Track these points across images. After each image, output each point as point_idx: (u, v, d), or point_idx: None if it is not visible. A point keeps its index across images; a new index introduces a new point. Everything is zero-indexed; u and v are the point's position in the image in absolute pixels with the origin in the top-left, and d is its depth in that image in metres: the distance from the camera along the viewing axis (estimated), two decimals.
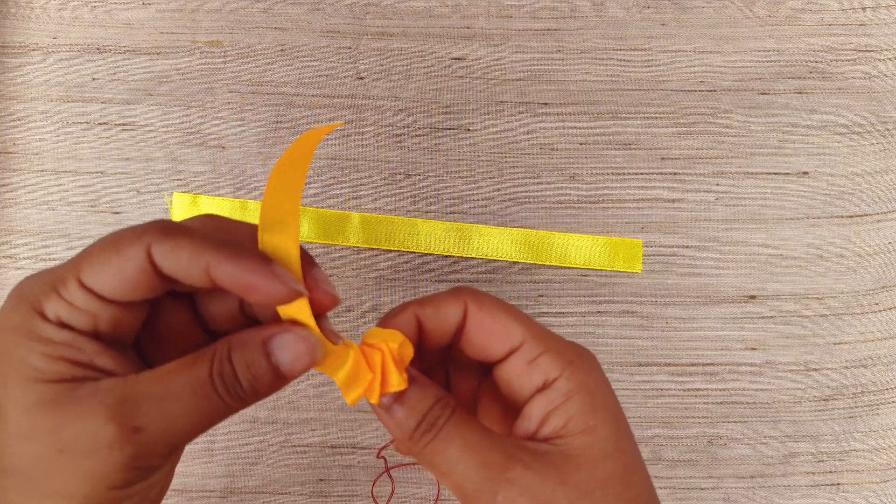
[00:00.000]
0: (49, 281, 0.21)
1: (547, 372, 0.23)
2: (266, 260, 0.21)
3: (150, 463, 0.21)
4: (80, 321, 0.21)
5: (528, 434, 0.23)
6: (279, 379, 0.21)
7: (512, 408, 0.25)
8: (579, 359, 0.23)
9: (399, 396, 0.23)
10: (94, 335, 0.21)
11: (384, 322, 0.24)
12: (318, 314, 0.22)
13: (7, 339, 0.20)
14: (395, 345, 0.23)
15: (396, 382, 0.22)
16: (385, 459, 0.25)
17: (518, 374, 0.23)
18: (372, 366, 0.22)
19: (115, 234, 0.21)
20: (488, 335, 0.23)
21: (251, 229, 0.23)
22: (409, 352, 0.23)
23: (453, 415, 0.23)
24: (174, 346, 0.24)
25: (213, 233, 0.22)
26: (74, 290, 0.20)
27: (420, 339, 0.24)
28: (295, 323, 0.22)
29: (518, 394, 0.24)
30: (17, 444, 0.20)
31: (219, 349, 0.21)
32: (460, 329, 0.24)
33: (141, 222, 0.22)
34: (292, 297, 0.21)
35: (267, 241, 0.22)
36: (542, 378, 0.23)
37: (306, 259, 0.23)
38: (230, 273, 0.20)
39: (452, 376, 0.27)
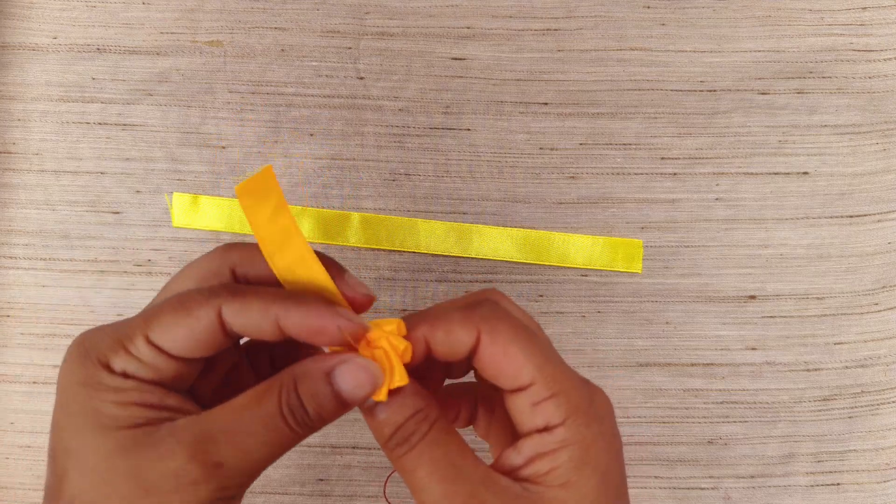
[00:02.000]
0: (115, 338, 0.22)
1: (549, 418, 0.22)
2: (328, 303, 0.22)
3: (232, 493, 0.22)
4: (145, 374, 0.22)
5: (512, 467, 0.23)
6: (343, 406, 0.22)
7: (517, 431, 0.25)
8: (587, 406, 0.23)
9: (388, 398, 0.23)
10: (158, 384, 0.22)
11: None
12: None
13: (77, 392, 0.21)
14: (397, 343, 0.23)
15: (399, 378, 0.22)
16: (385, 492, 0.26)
17: (522, 411, 0.23)
18: (381, 363, 0.23)
19: (183, 296, 0.22)
20: (497, 371, 0.23)
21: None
22: (408, 348, 0.23)
23: (429, 432, 0.22)
24: (215, 366, 0.25)
25: (273, 284, 0.23)
26: (142, 347, 0.21)
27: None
28: (350, 349, 0.23)
29: (520, 426, 0.23)
30: (100, 489, 0.20)
31: (284, 382, 0.22)
32: (473, 351, 0.24)
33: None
34: (360, 331, 0.22)
35: (290, 282, 0.23)
36: (543, 422, 0.22)
37: (333, 265, 0.24)
38: (299, 322, 0.21)
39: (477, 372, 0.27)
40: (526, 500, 0.22)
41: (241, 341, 0.27)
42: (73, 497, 0.21)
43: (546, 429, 0.22)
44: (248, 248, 0.24)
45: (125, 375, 0.21)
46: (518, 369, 0.23)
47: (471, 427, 0.29)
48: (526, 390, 0.23)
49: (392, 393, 0.23)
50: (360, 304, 0.23)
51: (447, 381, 0.28)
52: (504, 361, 0.23)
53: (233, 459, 0.21)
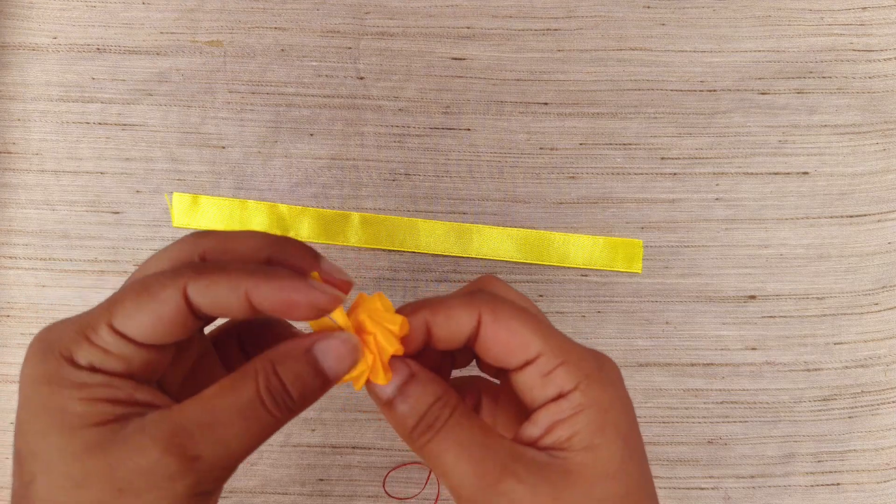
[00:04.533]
0: (77, 328, 0.21)
1: (562, 385, 0.22)
2: (299, 276, 0.21)
3: (210, 487, 0.21)
4: (112, 366, 0.21)
5: (531, 439, 0.23)
6: (326, 383, 0.22)
7: (526, 408, 0.24)
8: (598, 372, 0.23)
9: (402, 391, 0.23)
10: (128, 377, 0.21)
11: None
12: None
13: (39, 391, 0.20)
14: (387, 342, 0.23)
15: (380, 378, 0.22)
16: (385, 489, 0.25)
17: (532, 385, 0.23)
18: (369, 346, 0.23)
19: (145, 279, 0.21)
20: (503, 348, 0.23)
21: (252, 236, 0.23)
22: (404, 322, 0.23)
23: (452, 415, 0.22)
24: (182, 356, 0.24)
25: (239, 260, 0.22)
26: (106, 335, 0.20)
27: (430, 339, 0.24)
28: (327, 327, 0.22)
29: (531, 401, 0.23)
30: (70, 493, 0.20)
31: (261, 367, 0.21)
32: (474, 336, 0.23)
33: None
34: (334, 302, 0.21)
35: None
36: (556, 390, 0.22)
37: (310, 253, 0.23)
38: (270, 295, 0.21)
39: (479, 359, 0.27)
40: (555, 468, 0.22)
41: (207, 330, 0.26)
42: (42, 503, 0.20)
43: (560, 396, 0.22)
44: (219, 235, 0.23)
45: (91, 369, 0.20)
46: (524, 343, 0.22)
47: None
48: (534, 363, 0.22)
49: (408, 383, 0.23)
50: (339, 289, 0.22)
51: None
52: (509, 338, 0.23)
53: (210, 451, 0.20)
